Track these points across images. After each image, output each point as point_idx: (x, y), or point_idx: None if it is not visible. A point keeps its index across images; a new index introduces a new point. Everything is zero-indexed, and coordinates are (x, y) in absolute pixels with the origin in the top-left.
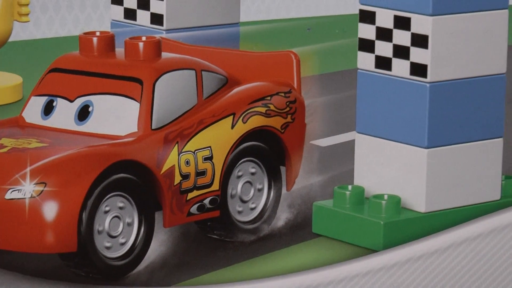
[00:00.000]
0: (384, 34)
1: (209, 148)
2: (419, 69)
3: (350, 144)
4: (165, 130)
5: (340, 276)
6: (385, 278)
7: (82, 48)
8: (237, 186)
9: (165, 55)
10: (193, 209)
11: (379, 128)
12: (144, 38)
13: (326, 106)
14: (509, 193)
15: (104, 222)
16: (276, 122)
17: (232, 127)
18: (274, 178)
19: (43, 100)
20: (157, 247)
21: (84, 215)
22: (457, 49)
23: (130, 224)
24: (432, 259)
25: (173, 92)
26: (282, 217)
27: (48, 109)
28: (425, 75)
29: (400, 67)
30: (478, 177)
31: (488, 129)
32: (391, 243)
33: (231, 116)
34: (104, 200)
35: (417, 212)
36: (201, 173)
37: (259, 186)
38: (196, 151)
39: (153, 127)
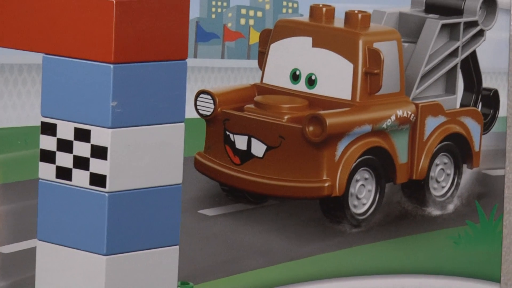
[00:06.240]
0: (64, 146)
1: None
2: (98, 180)
3: (32, 251)
4: None
5: None
6: None
7: None
8: None
9: None
10: None
11: (61, 236)
12: None
13: (8, 215)
14: None
15: None
16: None
17: None
18: None
19: None
20: None
21: None
22: (136, 160)
23: None
24: None
25: None
26: None
27: None
28: (104, 185)
29: (80, 178)
30: (156, 283)
31: (165, 237)
32: None
33: None
34: None
35: None
36: None
37: None
38: None
39: None
